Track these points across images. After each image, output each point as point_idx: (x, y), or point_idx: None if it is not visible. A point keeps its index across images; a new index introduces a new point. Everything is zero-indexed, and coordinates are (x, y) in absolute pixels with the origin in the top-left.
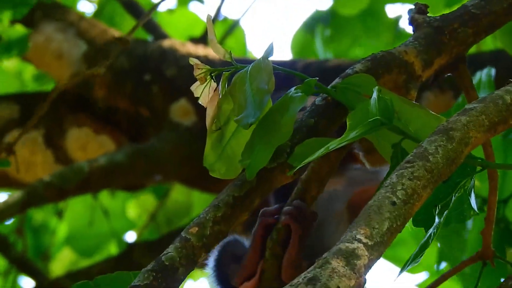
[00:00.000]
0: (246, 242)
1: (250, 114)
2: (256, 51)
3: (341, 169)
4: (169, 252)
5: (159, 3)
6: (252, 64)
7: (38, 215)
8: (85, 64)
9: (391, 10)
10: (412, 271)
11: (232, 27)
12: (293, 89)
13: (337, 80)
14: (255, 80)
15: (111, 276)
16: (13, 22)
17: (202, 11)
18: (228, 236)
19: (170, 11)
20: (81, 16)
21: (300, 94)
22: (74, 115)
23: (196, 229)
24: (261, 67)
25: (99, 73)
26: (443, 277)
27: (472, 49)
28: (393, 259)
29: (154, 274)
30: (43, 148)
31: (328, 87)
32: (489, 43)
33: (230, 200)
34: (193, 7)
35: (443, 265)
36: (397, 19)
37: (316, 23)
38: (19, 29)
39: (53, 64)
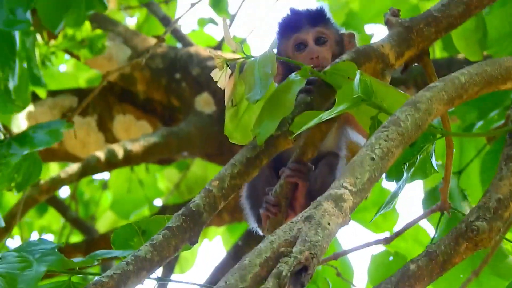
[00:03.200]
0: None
1: (257, 92)
2: None
3: None
4: (196, 201)
5: (185, 12)
6: (260, 54)
7: (88, 191)
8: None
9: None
10: (376, 231)
11: (240, 43)
12: (293, 74)
13: (328, 66)
14: (262, 66)
15: (149, 219)
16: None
17: (215, 31)
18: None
19: (193, 31)
20: (127, 28)
21: (299, 78)
22: (120, 104)
23: (217, 182)
24: (267, 56)
25: (140, 63)
26: (409, 225)
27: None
28: (360, 221)
29: (184, 217)
30: (96, 131)
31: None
32: (438, 53)
33: (244, 160)
34: (209, 28)
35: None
36: (371, 36)
37: None
38: (98, 32)
39: (104, 64)
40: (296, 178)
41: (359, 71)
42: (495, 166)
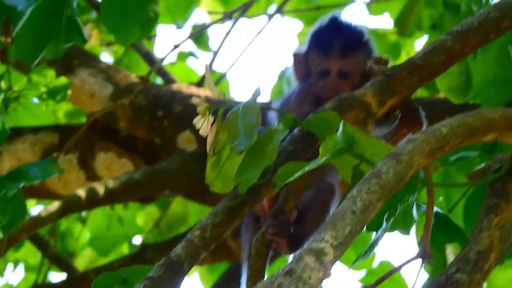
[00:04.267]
0: None
1: (242, 142)
2: (237, 97)
3: None
4: (177, 251)
5: (168, 53)
6: (243, 103)
7: (65, 223)
8: (112, 102)
9: None
10: (356, 268)
11: (220, 78)
12: (276, 123)
13: (310, 115)
14: (245, 116)
15: (130, 269)
16: (51, 63)
17: (196, 65)
18: None
19: (171, 64)
20: (109, 65)
21: (282, 127)
22: (102, 142)
23: (199, 232)
24: (250, 106)
25: (124, 104)
26: (390, 272)
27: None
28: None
29: (165, 267)
30: (77, 168)
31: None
32: (418, 92)
33: (226, 209)
34: (190, 61)
35: (377, 264)
36: None
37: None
38: (63, 80)
39: (86, 101)
40: (276, 237)
41: (342, 121)
42: (477, 211)
